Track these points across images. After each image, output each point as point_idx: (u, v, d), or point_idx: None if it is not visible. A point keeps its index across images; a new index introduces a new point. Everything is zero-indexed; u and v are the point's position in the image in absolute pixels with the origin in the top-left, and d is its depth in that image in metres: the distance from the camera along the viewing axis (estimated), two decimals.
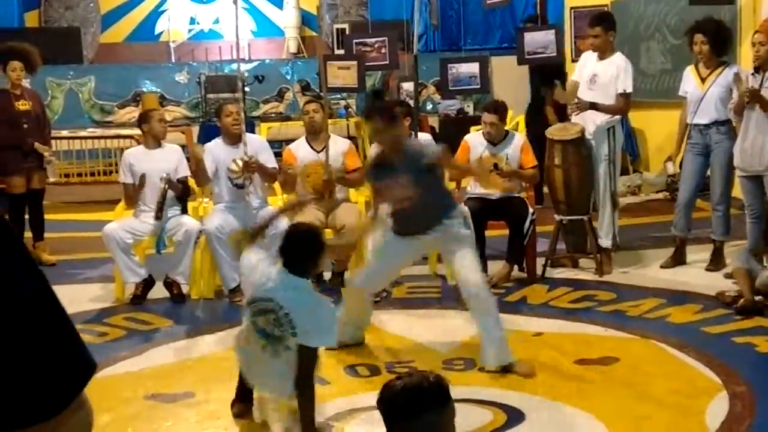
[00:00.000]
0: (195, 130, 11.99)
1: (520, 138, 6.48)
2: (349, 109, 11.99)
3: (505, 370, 4.45)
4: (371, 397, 3.91)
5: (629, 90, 6.41)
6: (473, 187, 6.48)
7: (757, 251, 5.83)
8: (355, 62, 6.81)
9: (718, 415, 3.85)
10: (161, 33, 15.48)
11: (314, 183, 6.33)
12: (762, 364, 4.51)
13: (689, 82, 6.37)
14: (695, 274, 6.24)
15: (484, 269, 6.23)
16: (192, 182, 6.59)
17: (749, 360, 4.56)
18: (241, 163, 6.06)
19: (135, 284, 6.09)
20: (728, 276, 6.06)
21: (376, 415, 4.03)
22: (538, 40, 6.96)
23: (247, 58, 13.73)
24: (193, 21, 15.60)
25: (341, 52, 10.27)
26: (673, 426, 3.79)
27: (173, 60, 14.84)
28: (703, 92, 6.20)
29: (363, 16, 14.59)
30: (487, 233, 6.34)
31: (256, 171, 6.13)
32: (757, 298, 5.28)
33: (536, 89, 9.08)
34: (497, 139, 6.32)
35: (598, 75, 6.47)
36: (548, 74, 7.91)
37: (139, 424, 4.06)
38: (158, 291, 6.15)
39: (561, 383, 4.32)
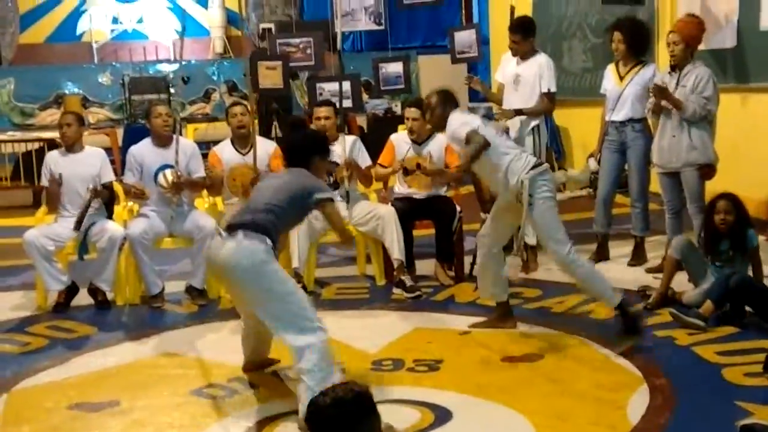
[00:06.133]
0: (119, 131, 11.80)
1: (444, 137, 6.51)
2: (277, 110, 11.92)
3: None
4: None
5: (554, 89, 6.51)
6: (400, 187, 6.50)
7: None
8: (280, 62, 6.78)
9: (639, 408, 3.93)
10: (83, 33, 15.20)
11: (242, 183, 6.27)
12: (681, 356, 4.61)
13: (609, 79, 6.51)
14: (618, 270, 6.36)
15: (413, 268, 6.32)
16: (117, 186, 6.48)
17: (669, 353, 4.66)
18: (171, 178, 5.98)
19: (57, 292, 5.96)
20: (650, 270, 6.21)
21: None
22: (464, 39, 7.04)
23: (172, 59, 13.56)
24: (115, 20, 15.37)
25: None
26: (597, 420, 3.86)
27: (96, 61, 14.58)
28: (621, 90, 6.33)
29: (289, 15, 14.55)
30: (415, 233, 6.39)
31: (186, 188, 6.07)
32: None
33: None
34: (422, 137, 6.35)
35: (521, 75, 6.55)
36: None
37: None
38: (82, 298, 6.04)
39: (488, 381, 4.37)
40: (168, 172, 5.99)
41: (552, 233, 4.87)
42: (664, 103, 5.92)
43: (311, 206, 4.29)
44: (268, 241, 3.98)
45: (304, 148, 4.42)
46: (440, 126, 5.07)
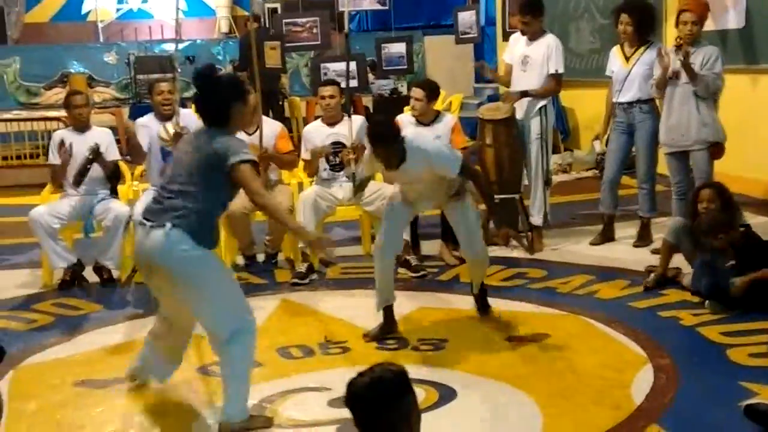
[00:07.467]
0: (125, 111, 11.79)
1: (451, 118, 6.50)
2: (282, 90, 11.90)
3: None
4: (305, 379, 3.95)
5: (561, 70, 6.48)
6: None
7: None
8: (279, 42, 6.75)
9: (643, 388, 3.94)
10: (89, 12, 15.16)
11: None
12: (685, 336, 4.62)
13: (614, 61, 6.47)
14: (623, 251, 6.36)
15: (418, 248, 6.33)
16: (123, 166, 6.47)
17: (673, 333, 4.67)
18: (171, 131, 5.95)
19: (63, 269, 5.98)
20: (655, 251, 6.20)
21: (310, 396, 4.06)
22: (466, 20, 7.01)
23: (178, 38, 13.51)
24: (121, 0, 15.32)
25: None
26: (601, 399, 3.86)
27: (101, 40, 14.55)
28: (628, 71, 6.29)
29: None
30: (420, 213, 6.37)
31: None
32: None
33: None
34: (427, 118, 6.32)
35: (530, 56, 6.52)
36: None
37: (69, 411, 3.99)
38: (88, 276, 6.06)
39: (492, 360, 4.38)
40: (168, 124, 5.99)
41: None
42: (670, 77, 5.87)
43: (229, 174, 3.60)
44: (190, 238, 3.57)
45: (220, 97, 3.71)
46: None
